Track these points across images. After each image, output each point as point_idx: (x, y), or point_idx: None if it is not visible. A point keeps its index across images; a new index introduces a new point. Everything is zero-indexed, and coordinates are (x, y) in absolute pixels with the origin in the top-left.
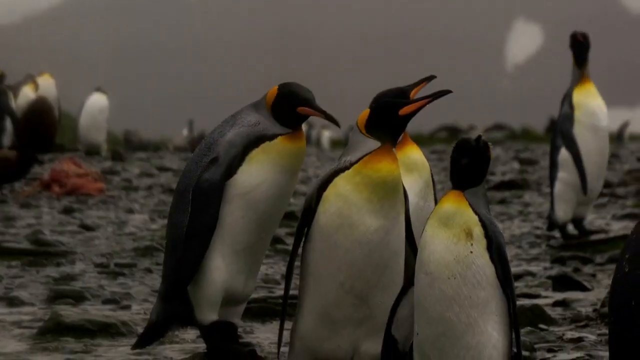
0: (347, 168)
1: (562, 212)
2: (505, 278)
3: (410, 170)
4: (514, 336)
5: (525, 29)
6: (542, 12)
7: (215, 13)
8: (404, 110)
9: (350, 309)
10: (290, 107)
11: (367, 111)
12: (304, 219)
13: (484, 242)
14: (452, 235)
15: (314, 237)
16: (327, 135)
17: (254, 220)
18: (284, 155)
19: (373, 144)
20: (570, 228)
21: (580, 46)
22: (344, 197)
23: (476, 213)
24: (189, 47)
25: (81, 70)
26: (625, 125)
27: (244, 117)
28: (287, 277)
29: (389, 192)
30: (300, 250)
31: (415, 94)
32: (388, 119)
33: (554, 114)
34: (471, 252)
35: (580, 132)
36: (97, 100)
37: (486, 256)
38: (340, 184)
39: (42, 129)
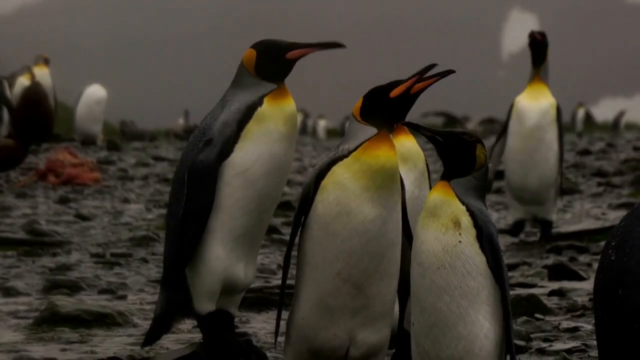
0: (345, 156)
1: (511, 211)
2: (496, 267)
3: (405, 159)
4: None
5: (521, 19)
6: (538, 2)
7: (213, 3)
8: (394, 92)
9: (346, 298)
10: (277, 57)
11: (359, 102)
12: (301, 208)
13: (473, 231)
14: (440, 225)
15: (311, 225)
16: (322, 124)
17: (254, 200)
18: (277, 119)
19: (370, 130)
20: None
21: (537, 45)
22: (342, 185)
23: (463, 203)
24: (186, 38)
25: (77, 60)
26: (621, 115)
27: (230, 96)
28: (285, 266)
29: (387, 179)
30: (297, 240)
31: (406, 86)
32: (380, 103)
33: None
34: (460, 241)
35: (509, 131)
36: (95, 92)
37: (476, 246)
38: (339, 172)
39: (39, 115)
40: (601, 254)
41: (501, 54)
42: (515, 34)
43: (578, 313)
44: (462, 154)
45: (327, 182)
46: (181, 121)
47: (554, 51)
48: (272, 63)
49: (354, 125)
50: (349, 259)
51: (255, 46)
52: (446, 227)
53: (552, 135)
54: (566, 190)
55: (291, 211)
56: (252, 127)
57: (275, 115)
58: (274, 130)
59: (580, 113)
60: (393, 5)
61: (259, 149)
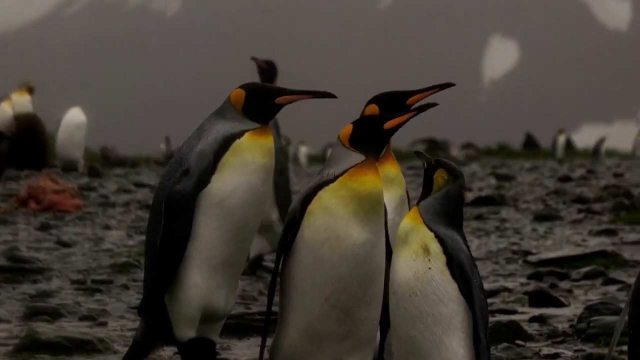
0: (331, 181)
1: None
2: (468, 294)
3: (388, 186)
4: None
5: (502, 45)
6: (519, 28)
7: (195, 30)
8: (389, 125)
9: (335, 324)
10: (266, 100)
11: (349, 126)
12: (286, 233)
13: (442, 258)
14: (411, 251)
15: (298, 251)
16: (304, 151)
17: (230, 230)
18: (254, 151)
19: (357, 157)
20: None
21: (264, 73)
22: (330, 211)
23: (432, 229)
24: (167, 64)
25: (56, 87)
26: (601, 141)
27: (209, 126)
28: (270, 292)
29: (375, 205)
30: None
31: (416, 100)
32: (372, 132)
33: (530, 130)
34: (429, 268)
35: None
36: (75, 116)
37: (446, 272)
38: (326, 197)
39: (36, 143)
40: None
41: (482, 79)
42: (496, 60)
43: (559, 339)
44: (425, 178)
45: (314, 207)
46: (163, 147)
47: (534, 77)
48: (261, 106)
49: (340, 150)
50: (338, 284)
51: (245, 87)
52: (416, 254)
53: None
54: (546, 216)
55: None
56: (229, 158)
57: (252, 148)
58: (251, 161)
59: (561, 139)
60: (376, 27)
61: (235, 180)
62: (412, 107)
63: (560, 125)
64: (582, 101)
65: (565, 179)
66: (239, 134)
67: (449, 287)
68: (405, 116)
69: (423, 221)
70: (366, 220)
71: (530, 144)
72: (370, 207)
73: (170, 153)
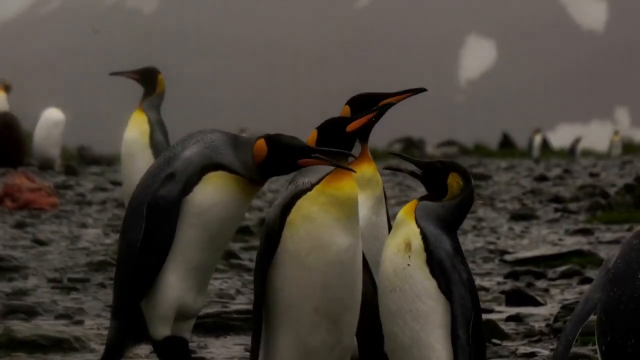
0: (308, 189)
1: None
2: (449, 291)
3: (365, 186)
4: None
5: (478, 44)
6: (495, 28)
7: (171, 26)
8: (351, 127)
9: (325, 334)
10: (287, 161)
11: (314, 132)
12: (267, 246)
13: (423, 255)
14: (394, 245)
15: (283, 262)
16: None
17: (206, 240)
18: (236, 189)
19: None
20: None
21: (144, 81)
22: (311, 219)
23: (419, 226)
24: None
25: (32, 85)
26: (577, 141)
27: (215, 140)
28: (257, 317)
29: (354, 209)
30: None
31: (389, 103)
32: (336, 137)
33: (506, 130)
34: (408, 264)
35: None
36: (53, 115)
37: (425, 270)
38: (305, 205)
39: (11, 142)
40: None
41: (459, 79)
42: (473, 59)
43: (535, 338)
44: (434, 182)
45: (295, 216)
46: None
47: (511, 77)
48: (281, 165)
49: None
50: (326, 293)
51: (269, 143)
52: (398, 248)
53: (144, 159)
54: (523, 215)
55: (249, 236)
56: (214, 176)
57: (234, 183)
58: (230, 189)
59: (537, 139)
60: (352, 27)
61: (217, 196)
62: (373, 108)
63: (536, 125)
64: (558, 101)
65: (542, 178)
66: (231, 171)
67: (427, 285)
68: (366, 117)
69: (415, 217)
70: (348, 225)
71: (506, 143)
72: (349, 211)
73: None
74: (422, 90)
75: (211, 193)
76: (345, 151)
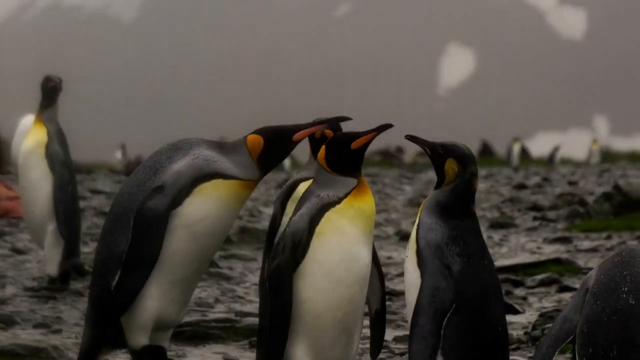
0: (337, 202)
1: None
2: (421, 281)
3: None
4: None
5: (458, 53)
6: (475, 37)
7: (149, 35)
8: (355, 144)
9: (340, 348)
10: (284, 142)
11: (322, 151)
12: (293, 256)
13: (414, 246)
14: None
15: (311, 272)
16: None
17: (193, 253)
18: (232, 197)
19: (350, 181)
20: None
21: (48, 91)
22: (342, 231)
23: (419, 216)
24: (121, 69)
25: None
26: (556, 149)
27: (202, 150)
28: (276, 326)
29: (373, 224)
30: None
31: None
32: (343, 154)
33: (486, 138)
34: (407, 256)
35: None
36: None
37: (414, 260)
38: (335, 217)
39: None
40: (597, 297)
41: (438, 88)
42: (452, 68)
43: (513, 346)
44: (436, 168)
45: (325, 228)
46: (119, 155)
47: (490, 86)
48: (278, 150)
49: (327, 176)
50: (349, 307)
51: (263, 135)
52: (409, 243)
53: (40, 170)
54: (502, 224)
55: (229, 244)
56: (206, 188)
57: (232, 192)
58: (224, 200)
59: (516, 147)
60: (332, 40)
61: (208, 209)
62: (373, 129)
63: (515, 133)
64: (537, 109)
65: (521, 186)
66: (227, 177)
67: (414, 275)
68: (369, 136)
69: (422, 208)
70: (368, 240)
71: (485, 151)
72: (371, 228)
73: (130, 162)
74: (389, 126)
75: (202, 205)
76: (343, 116)
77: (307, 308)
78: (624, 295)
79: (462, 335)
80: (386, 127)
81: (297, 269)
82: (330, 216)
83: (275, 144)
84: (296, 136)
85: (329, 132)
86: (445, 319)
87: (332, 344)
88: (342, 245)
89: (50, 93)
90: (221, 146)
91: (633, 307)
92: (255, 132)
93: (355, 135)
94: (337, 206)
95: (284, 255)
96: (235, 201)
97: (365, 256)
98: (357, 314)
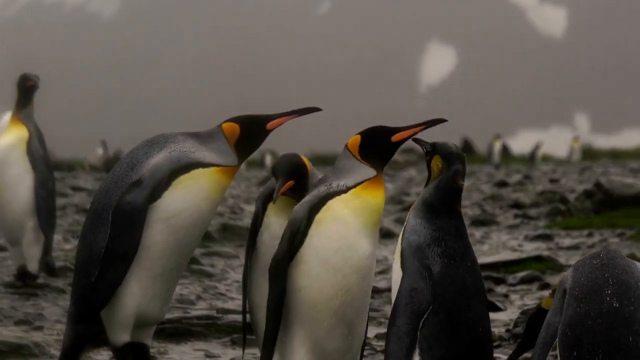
0: (343, 192)
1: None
2: (401, 281)
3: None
4: None
5: (439, 51)
6: (456, 34)
7: (130, 31)
8: (397, 137)
9: (339, 339)
10: (258, 130)
11: (357, 137)
12: (291, 243)
13: (399, 248)
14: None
15: (307, 260)
16: None
17: (172, 246)
18: (212, 185)
19: (369, 171)
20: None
21: (25, 90)
22: (342, 220)
23: (408, 219)
24: (102, 65)
25: None
26: (537, 147)
27: (178, 142)
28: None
29: (379, 220)
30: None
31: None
32: (381, 145)
33: (467, 135)
34: (394, 258)
35: None
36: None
37: (399, 261)
38: (337, 206)
39: None
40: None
41: (419, 85)
42: (433, 65)
43: (495, 344)
44: (427, 166)
45: (325, 216)
46: (99, 152)
47: (471, 83)
48: (254, 136)
49: (351, 162)
50: (346, 296)
51: (238, 121)
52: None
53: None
54: (483, 221)
55: (210, 242)
56: (185, 179)
57: (211, 181)
58: (204, 189)
59: (497, 145)
60: (313, 37)
61: (187, 201)
62: (422, 122)
63: (496, 130)
64: (518, 107)
65: (502, 184)
66: (206, 165)
67: (399, 276)
68: (414, 129)
69: (410, 211)
70: (373, 233)
71: (466, 149)
72: (377, 221)
73: (109, 158)
74: (441, 120)
75: (180, 198)
76: (314, 107)
77: (302, 297)
78: (608, 298)
79: (439, 335)
80: (437, 121)
81: (294, 257)
82: (332, 205)
83: (250, 130)
84: (270, 124)
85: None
86: (422, 320)
87: (329, 335)
88: (340, 234)
89: (27, 92)
90: (197, 136)
91: (617, 310)
92: (230, 120)
93: (397, 129)
94: (343, 195)
95: (283, 244)
96: (214, 191)
97: (366, 247)
98: (356, 305)
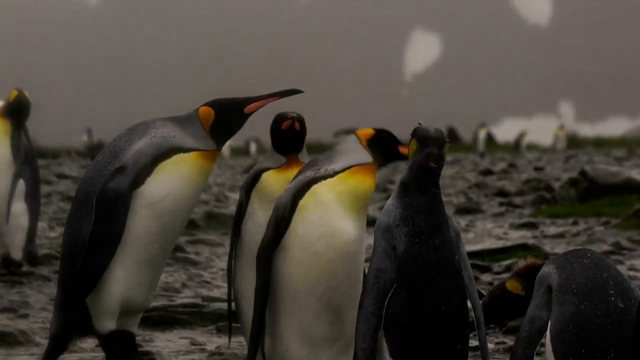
0: (330, 176)
1: None
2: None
3: None
4: None
5: (424, 39)
6: (440, 22)
7: (116, 24)
8: (403, 149)
9: (327, 326)
10: (236, 114)
11: (371, 130)
12: (276, 229)
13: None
14: None
15: (291, 247)
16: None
17: (157, 232)
18: (194, 170)
19: (365, 156)
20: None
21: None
22: (325, 205)
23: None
24: (88, 56)
25: None
26: (522, 135)
27: (158, 128)
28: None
29: (366, 205)
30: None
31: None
32: (391, 148)
33: (452, 123)
34: None
35: None
36: None
37: None
38: (321, 191)
39: None
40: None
41: (404, 73)
42: (418, 54)
43: None
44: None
45: (308, 201)
46: (84, 138)
47: (456, 71)
48: (230, 121)
49: (353, 146)
50: (331, 282)
51: (213, 106)
52: None
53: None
54: (468, 209)
55: (195, 229)
56: (167, 165)
57: (193, 165)
58: (186, 174)
59: (482, 133)
60: (297, 24)
61: (170, 186)
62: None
63: (481, 119)
64: (503, 95)
65: (487, 172)
66: (187, 150)
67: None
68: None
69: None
70: (357, 218)
71: (451, 137)
72: (363, 205)
73: (92, 144)
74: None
75: (164, 183)
76: (295, 89)
77: (287, 283)
78: (613, 298)
79: (401, 314)
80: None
81: (279, 244)
82: (317, 189)
83: (226, 115)
84: (248, 108)
85: (297, 126)
86: (387, 299)
87: (315, 321)
88: (323, 219)
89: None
90: (175, 120)
91: (623, 311)
92: (206, 104)
93: (403, 142)
94: (329, 180)
95: (268, 231)
96: (197, 174)
97: (351, 232)
98: (342, 290)
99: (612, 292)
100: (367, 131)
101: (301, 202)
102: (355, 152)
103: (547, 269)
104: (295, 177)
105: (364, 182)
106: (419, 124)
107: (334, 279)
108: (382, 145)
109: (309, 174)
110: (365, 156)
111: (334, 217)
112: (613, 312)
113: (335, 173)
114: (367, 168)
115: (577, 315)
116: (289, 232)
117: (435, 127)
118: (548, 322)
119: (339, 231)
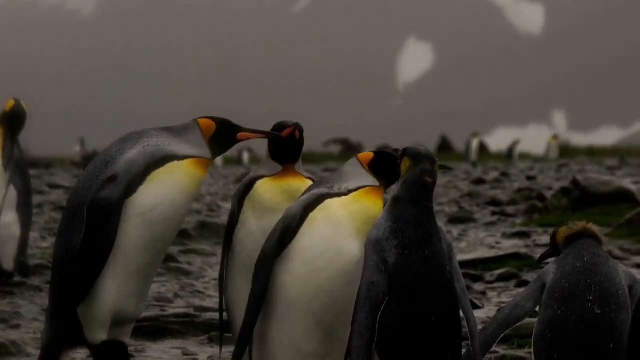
0: (343, 194)
1: None
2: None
3: (293, 197)
4: None
5: (417, 49)
6: (433, 32)
7: (110, 30)
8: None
9: (317, 342)
10: (231, 135)
11: (370, 154)
12: (280, 239)
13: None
14: None
15: (293, 258)
16: None
17: (148, 241)
18: (187, 178)
19: (372, 180)
20: None
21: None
22: (335, 222)
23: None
24: (82, 63)
25: None
26: (515, 144)
27: (152, 137)
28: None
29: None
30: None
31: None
32: (393, 168)
33: (445, 133)
34: None
35: None
36: None
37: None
38: (334, 206)
39: None
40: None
41: (397, 83)
42: (411, 63)
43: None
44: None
45: (318, 215)
46: (77, 148)
47: (449, 80)
48: (226, 139)
49: (357, 169)
50: (327, 299)
51: (215, 120)
52: None
53: None
54: (461, 219)
55: (188, 239)
56: (160, 173)
57: (186, 173)
58: (179, 182)
59: (475, 143)
60: (291, 33)
61: (162, 195)
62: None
63: (474, 128)
64: (496, 104)
65: (479, 181)
66: (181, 157)
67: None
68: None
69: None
70: (363, 240)
71: (444, 146)
72: (369, 228)
73: (85, 154)
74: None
75: (156, 192)
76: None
77: (283, 294)
78: (590, 305)
79: (392, 327)
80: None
81: (281, 254)
82: (329, 204)
83: (224, 131)
84: (241, 135)
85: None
86: (380, 312)
87: (306, 336)
88: (330, 236)
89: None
90: (170, 130)
91: (599, 317)
92: (208, 117)
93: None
94: (342, 197)
95: (271, 240)
96: (190, 184)
97: (356, 253)
98: (337, 310)
99: (590, 298)
100: (367, 155)
101: (311, 215)
102: (361, 175)
103: (549, 266)
104: (306, 192)
105: (375, 204)
106: (396, 150)
107: (331, 296)
108: (384, 168)
109: (323, 189)
110: (372, 179)
111: (342, 234)
112: (588, 317)
113: (349, 191)
114: (377, 190)
115: (554, 321)
116: (294, 243)
117: (423, 147)
118: (527, 314)
119: (344, 250)
